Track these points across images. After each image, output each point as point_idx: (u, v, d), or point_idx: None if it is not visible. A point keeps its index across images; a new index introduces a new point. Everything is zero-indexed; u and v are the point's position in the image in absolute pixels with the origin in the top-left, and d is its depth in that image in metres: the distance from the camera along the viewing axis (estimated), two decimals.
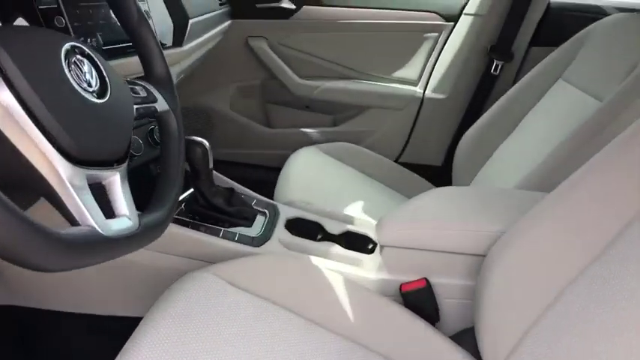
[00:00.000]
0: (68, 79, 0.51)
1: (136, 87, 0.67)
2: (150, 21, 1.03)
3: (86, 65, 0.55)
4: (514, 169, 1.25)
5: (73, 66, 0.53)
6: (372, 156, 1.61)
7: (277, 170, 1.48)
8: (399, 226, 0.95)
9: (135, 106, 0.65)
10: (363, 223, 1.18)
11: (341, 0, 1.75)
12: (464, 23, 1.66)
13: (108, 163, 0.55)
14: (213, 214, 1.03)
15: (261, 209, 1.12)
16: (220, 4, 1.59)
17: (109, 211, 0.55)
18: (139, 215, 0.58)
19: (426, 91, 1.77)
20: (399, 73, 1.81)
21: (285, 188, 1.32)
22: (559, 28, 1.63)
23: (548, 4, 1.62)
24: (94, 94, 0.54)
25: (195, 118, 1.92)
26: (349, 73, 1.83)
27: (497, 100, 1.45)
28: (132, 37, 0.70)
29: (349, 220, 1.18)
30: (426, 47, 1.75)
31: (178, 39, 1.14)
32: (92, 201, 0.50)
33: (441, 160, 1.85)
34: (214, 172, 1.09)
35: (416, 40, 1.76)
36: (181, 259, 0.98)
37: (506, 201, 0.98)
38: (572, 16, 1.65)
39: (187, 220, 1.02)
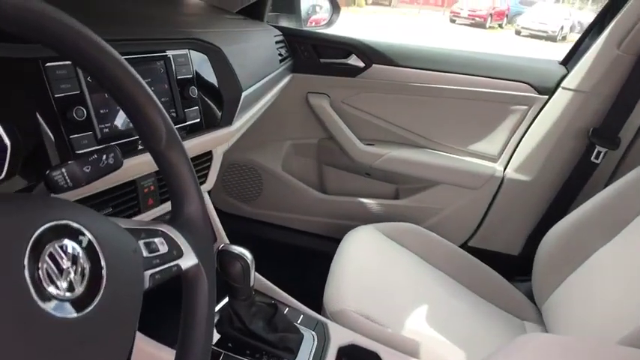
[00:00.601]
0: (28, 289, 0.33)
1: (155, 240, 0.48)
2: (193, 92, 0.86)
3: (70, 253, 0.36)
4: (620, 299, 0.99)
5: (46, 262, 0.34)
6: (439, 242, 1.38)
7: (329, 240, 1.27)
8: None
9: (149, 272, 0.46)
10: (430, 353, 0.97)
11: (417, 61, 1.54)
12: (560, 98, 1.42)
13: None
14: (251, 341, 0.84)
15: (308, 331, 0.92)
16: (281, 61, 1.42)
17: None
18: None
19: (507, 170, 1.53)
20: (477, 147, 1.58)
21: (337, 287, 1.12)
22: None
23: None
24: (72, 304, 0.35)
25: (243, 176, 1.75)
26: (419, 141, 1.62)
27: (594, 192, 1.20)
28: (158, 163, 0.52)
29: (414, 349, 0.97)
30: (511, 120, 1.52)
31: (228, 117, 0.96)
32: None
33: (518, 250, 1.59)
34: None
35: (500, 112, 1.52)
36: None
37: None
38: None
39: (217, 349, 0.83)
